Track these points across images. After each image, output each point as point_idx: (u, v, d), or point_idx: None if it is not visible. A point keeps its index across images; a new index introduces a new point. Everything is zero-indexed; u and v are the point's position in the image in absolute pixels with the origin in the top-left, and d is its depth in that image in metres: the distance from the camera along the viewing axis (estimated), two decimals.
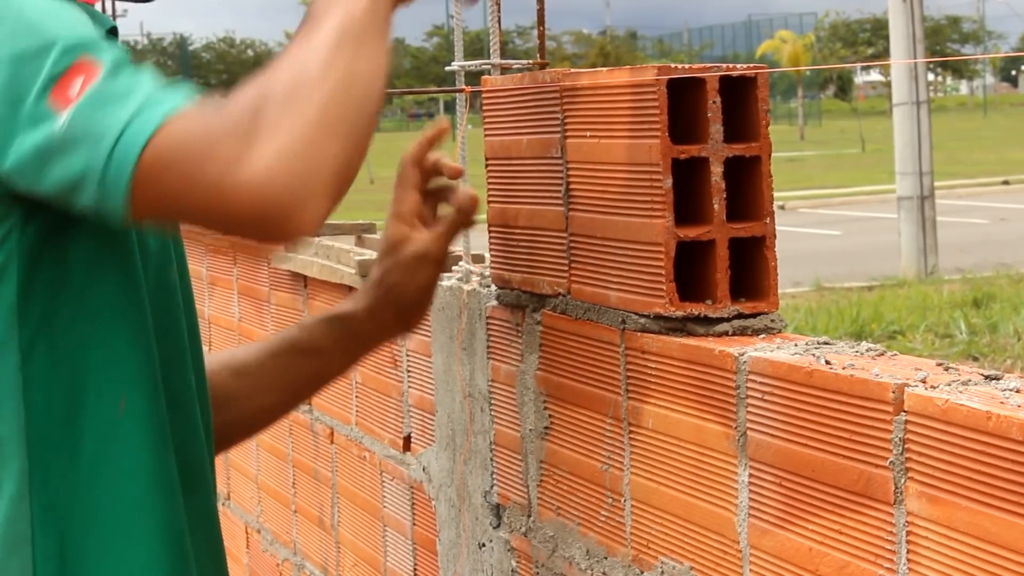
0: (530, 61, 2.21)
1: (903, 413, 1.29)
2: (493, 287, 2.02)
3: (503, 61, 2.19)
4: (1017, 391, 1.24)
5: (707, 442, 1.57)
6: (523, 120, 1.90)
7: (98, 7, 1.62)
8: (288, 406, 1.93)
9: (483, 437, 2.08)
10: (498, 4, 2.12)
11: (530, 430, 1.94)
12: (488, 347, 2.04)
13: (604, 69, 1.75)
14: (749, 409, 1.49)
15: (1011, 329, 10.58)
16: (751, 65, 1.66)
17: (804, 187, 30.35)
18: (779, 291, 1.65)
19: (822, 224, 23.77)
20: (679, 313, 1.63)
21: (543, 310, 1.90)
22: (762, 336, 1.60)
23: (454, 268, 2.15)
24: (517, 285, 1.96)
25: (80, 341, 1.49)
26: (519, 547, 1.99)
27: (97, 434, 1.50)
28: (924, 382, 1.30)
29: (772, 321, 1.63)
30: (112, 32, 1.57)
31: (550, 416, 1.89)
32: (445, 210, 1.85)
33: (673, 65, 1.63)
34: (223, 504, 3.61)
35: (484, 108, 2.01)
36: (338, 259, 2.70)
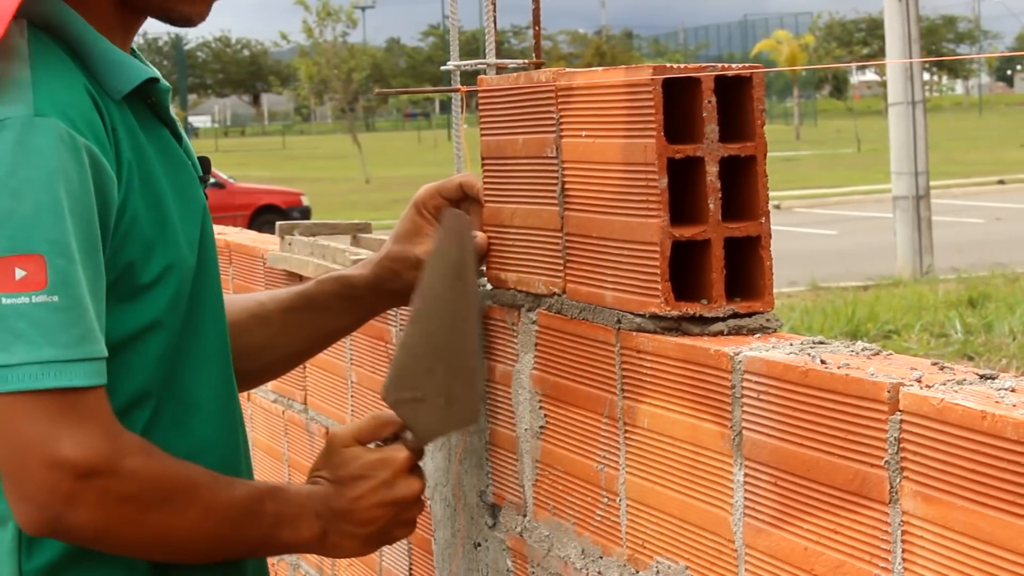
0: (526, 61, 2.22)
1: (898, 412, 1.29)
2: (489, 286, 2.02)
3: (499, 61, 2.19)
4: (1012, 390, 1.24)
5: (702, 442, 1.57)
6: (519, 120, 1.90)
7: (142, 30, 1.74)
8: (309, 354, 2.18)
9: (479, 436, 2.08)
10: (494, 4, 2.12)
11: (525, 429, 1.94)
12: (484, 347, 2.04)
13: (599, 69, 1.74)
14: (744, 409, 1.49)
15: (1006, 329, 10.60)
16: (746, 65, 1.66)
17: (800, 187, 30.39)
18: (775, 291, 1.65)
19: (818, 224, 23.79)
20: (674, 313, 1.62)
21: (539, 310, 1.90)
22: (757, 336, 1.60)
23: None
24: (513, 285, 1.96)
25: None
26: (515, 547, 1.99)
27: (198, 343, 1.80)
28: (919, 381, 1.29)
29: (767, 321, 1.63)
30: (152, 82, 1.74)
31: (546, 416, 1.89)
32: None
33: (668, 65, 1.63)
34: None
35: (480, 108, 2.01)
36: (334, 259, 2.70)
